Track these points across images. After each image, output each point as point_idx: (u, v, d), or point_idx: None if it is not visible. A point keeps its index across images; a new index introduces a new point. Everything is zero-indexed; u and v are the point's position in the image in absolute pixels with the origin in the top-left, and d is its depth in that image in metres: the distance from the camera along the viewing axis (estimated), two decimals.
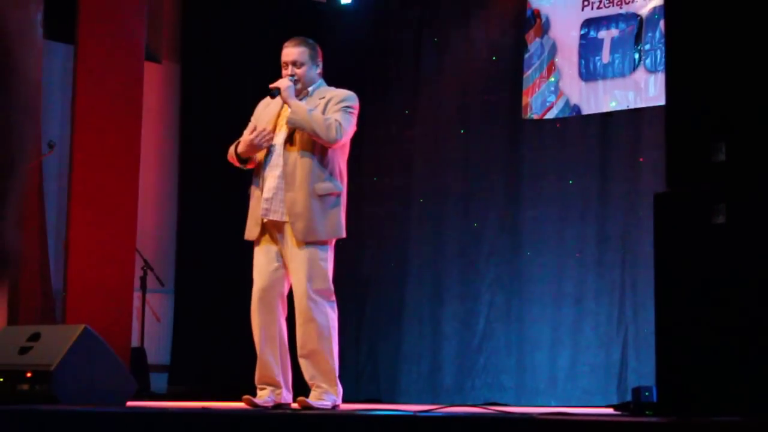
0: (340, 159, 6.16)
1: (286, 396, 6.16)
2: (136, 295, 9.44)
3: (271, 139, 6.14)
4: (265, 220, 6.15)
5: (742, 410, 4.08)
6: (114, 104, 9.19)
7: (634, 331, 8.46)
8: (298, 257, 6.04)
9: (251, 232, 6.25)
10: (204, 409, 5.08)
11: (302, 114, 6.01)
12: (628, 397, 6.58)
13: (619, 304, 8.60)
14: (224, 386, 9.41)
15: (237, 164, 6.32)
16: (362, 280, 9.68)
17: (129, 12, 9.35)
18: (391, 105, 9.58)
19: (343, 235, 6.16)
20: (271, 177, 6.14)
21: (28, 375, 5.64)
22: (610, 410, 5.59)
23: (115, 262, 9.07)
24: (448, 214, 9.55)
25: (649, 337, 7.93)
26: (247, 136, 6.19)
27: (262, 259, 6.24)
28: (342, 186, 6.13)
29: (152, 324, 9.80)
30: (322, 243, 6.05)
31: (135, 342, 9.36)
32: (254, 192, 6.23)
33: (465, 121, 9.60)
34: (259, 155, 6.20)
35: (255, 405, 5.99)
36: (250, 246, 9.80)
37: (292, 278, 6.10)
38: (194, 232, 10.15)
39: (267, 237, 6.19)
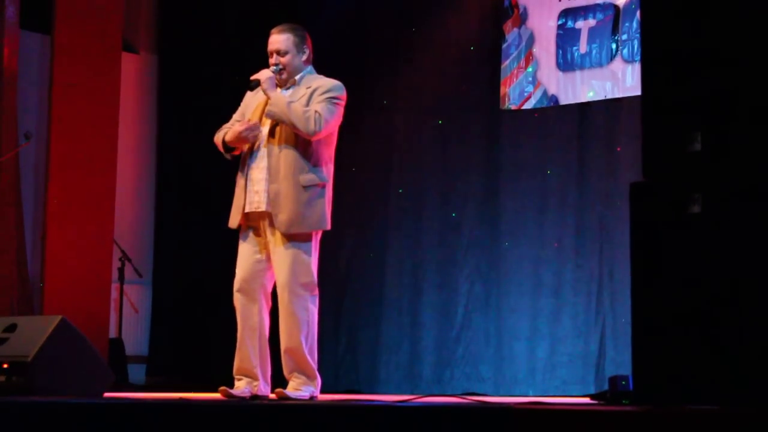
0: (325, 150, 6.11)
1: (263, 388, 6.14)
2: (114, 286, 9.43)
3: (259, 132, 6.11)
4: (247, 210, 6.09)
5: (718, 399, 4.10)
6: (91, 95, 9.19)
7: (612, 321, 8.48)
8: (281, 250, 6.01)
9: (233, 220, 6.20)
10: (182, 400, 5.08)
11: (281, 106, 5.96)
12: (606, 387, 6.61)
13: (597, 294, 8.62)
14: (202, 377, 9.42)
15: (222, 151, 6.28)
16: (341, 271, 9.68)
17: (106, 2, 9.33)
18: (370, 95, 9.57)
19: (328, 227, 6.12)
20: (256, 168, 6.10)
21: (5, 366, 5.63)
22: (588, 400, 5.60)
23: (92, 253, 9.07)
24: (426, 205, 9.55)
25: (626, 326, 7.96)
26: (237, 127, 6.13)
27: (246, 250, 6.19)
28: (327, 177, 6.09)
29: (130, 315, 9.79)
30: (306, 235, 6.02)
31: (113, 333, 9.35)
32: (239, 181, 6.18)
33: (443, 112, 9.59)
34: (246, 146, 6.16)
35: (231, 396, 5.97)
36: (228, 237, 9.77)
37: (275, 271, 6.06)
38: (172, 222, 10.13)
39: (252, 228, 6.14)
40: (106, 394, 5.79)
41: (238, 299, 6.17)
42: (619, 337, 8.34)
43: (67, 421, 4.02)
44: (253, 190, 6.09)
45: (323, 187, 6.05)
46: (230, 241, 9.79)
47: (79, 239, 9.00)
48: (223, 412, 4.08)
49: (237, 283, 6.19)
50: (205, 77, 9.98)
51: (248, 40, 10.11)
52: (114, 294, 9.42)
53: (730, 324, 4.18)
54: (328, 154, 6.13)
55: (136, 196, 10.18)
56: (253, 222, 6.14)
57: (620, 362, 8.18)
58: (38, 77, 9.38)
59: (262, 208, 6.05)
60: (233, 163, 8.95)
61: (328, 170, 6.11)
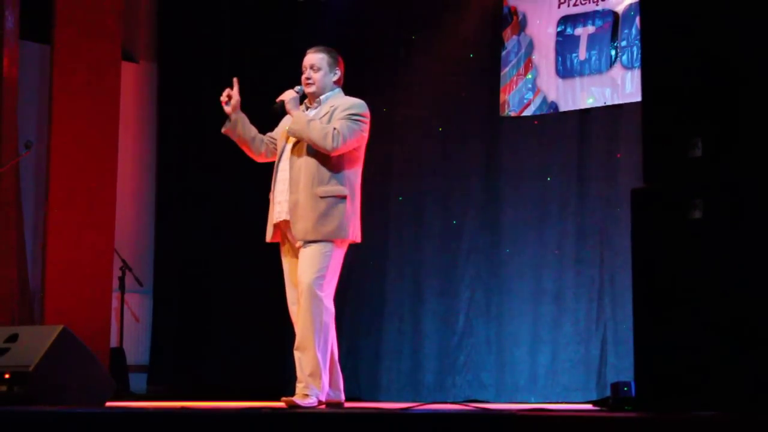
0: (348, 164, 6.27)
1: (333, 395, 6.21)
2: (115, 296, 9.42)
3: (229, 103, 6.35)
4: (275, 221, 6.27)
5: (720, 405, 4.10)
6: (91, 104, 9.19)
7: (613, 327, 8.48)
8: (302, 253, 6.16)
9: (268, 234, 6.37)
10: (183, 408, 5.07)
11: (301, 124, 6.17)
12: (608, 393, 6.60)
13: (598, 300, 8.62)
14: (204, 386, 9.42)
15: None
16: (342, 279, 9.63)
17: (105, 11, 9.34)
18: (369, 103, 9.55)
19: (349, 237, 6.24)
20: (280, 182, 6.30)
21: (6, 376, 5.62)
22: (590, 406, 5.60)
23: (93, 263, 9.07)
24: (427, 212, 9.56)
25: (627, 332, 7.96)
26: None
27: (286, 265, 6.38)
28: (348, 190, 6.22)
29: (131, 324, 9.78)
30: (325, 243, 6.11)
31: (114, 342, 9.34)
32: (270, 197, 6.34)
33: (443, 119, 9.60)
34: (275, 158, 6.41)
35: (292, 403, 6.00)
36: (229, 245, 9.84)
37: (297, 274, 6.15)
38: (172, 232, 10.13)
39: (287, 246, 6.33)
40: (108, 404, 5.78)
41: (293, 313, 6.26)
42: (621, 343, 8.33)
43: (69, 431, 4.02)
44: (277, 202, 6.29)
45: (343, 198, 6.16)
46: (231, 250, 9.84)
47: (79, 249, 8.99)
48: (225, 420, 4.08)
49: (288, 299, 6.35)
50: (204, 86, 9.97)
51: (246, 48, 10.15)
52: (115, 303, 9.41)
53: (731, 330, 4.18)
54: (353, 169, 6.30)
55: (136, 206, 10.17)
56: (285, 235, 6.27)
57: (621, 368, 8.17)
58: (38, 87, 9.38)
59: (284, 216, 6.21)
60: (234, 172, 8.99)
61: (351, 184, 6.25)
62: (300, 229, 6.12)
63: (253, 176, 7.36)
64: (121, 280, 9.55)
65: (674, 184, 4.44)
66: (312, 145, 6.15)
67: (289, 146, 6.30)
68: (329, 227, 6.12)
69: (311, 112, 6.32)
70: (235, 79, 6.47)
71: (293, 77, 6.57)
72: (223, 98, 6.43)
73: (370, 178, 6.48)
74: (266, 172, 6.48)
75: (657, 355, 4.34)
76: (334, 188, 6.17)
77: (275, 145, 6.46)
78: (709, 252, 4.29)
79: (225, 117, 6.45)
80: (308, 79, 6.35)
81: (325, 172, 6.17)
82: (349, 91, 6.48)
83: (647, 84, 4.65)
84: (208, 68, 10.07)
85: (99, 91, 9.30)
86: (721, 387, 4.14)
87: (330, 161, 6.17)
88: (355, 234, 6.26)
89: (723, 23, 4.39)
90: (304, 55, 6.46)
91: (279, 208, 6.27)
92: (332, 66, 6.41)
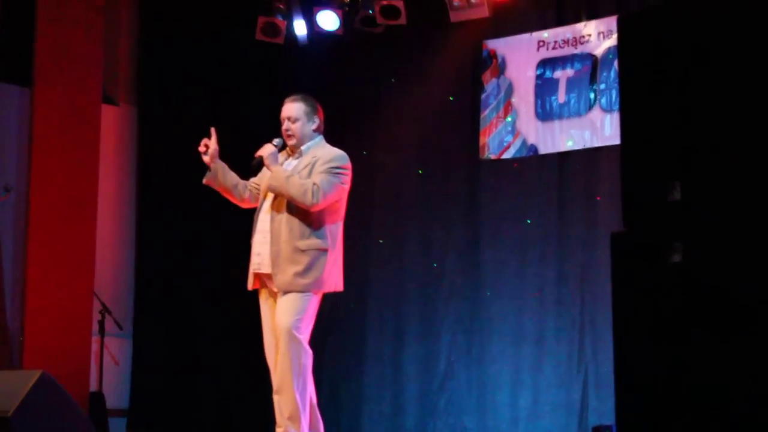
0: (329, 217, 6.30)
1: None
2: (94, 340, 9.37)
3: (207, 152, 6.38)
4: (254, 272, 6.31)
5: None
6: (71, 147, 9.18)
7: (594, 370, 8.47)
8: (281, 301, 6.19)
9: (248, 283, 6.40)
10: None
11: (280, 180, 6.18)
12: None
13: (579, 343, 8.62)
14: (184, 430, 9.37)
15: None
16: (322, 323, 9.62)
17: (85, 54, 9.35)
18: (349, 146, 9.56)
19: (327, 289, 6.26)
20: (261, 232, 6.32)
21: None
22: None
23: (72, 306, 9.03)
24: (407, 255, 9.56)
25: (609, 375, 7.95)
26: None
27: (265, 315, 6.41)
28: (330, 243, 6.24)
29: (111, 368, 9.72)
30: (303, 293, 6.12)
31: (93, 386, 9.29)
32: (252, 248, 6.36)
33: (423, 161, 9.62)
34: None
35: None
36: (209, 289, 9.80)
37: (275, 318, 6.15)
38: (152, 275, 10.09)
39: (265, 292, 6.35)
40: None
41: (269, 358, 6.32)
42: (602, 386, 8.32)
43: None
44: (255, 253, 6.32)
45: (324, 251, 6.16)
46: (211, 293, 9.81)
47: (59, 292, 8.95)
48: None
49: (265, 344, 6.38)
50: (185, 128, 9.96)
51: (227, 91, 10.16)
52: (94, 347, 9.36)
53: (712, 373, 4.18)
54: (334, 222, 6.33)
55: (116, 248, 10.13)
56: (266, 285, 6.31)
57: (603, 411, 8.16)
58: (18, 130, 9.36)
59: (263, 269, 6.24)
60: (215, 215, 8.97)
61: (333, 236, 6.28)
62: (281, 280, 6.14)
63: (235, 221, 7.35)
64: (101, 323, 9.49)
65: (653, 227, 4.45)
66: (292, 201, 6.15)
67: (268, 200, 6.30)
68: (309, 280, 6.14)
69: (292, 162, 6.32)
70: (212, 129, 6.47)
71: (274, 120, 6.58)
72: (201, 148, 6.43)
73: (350, 221, 6.49)
74: (248, 213, 6.49)
75: (638, 400, 4.33)
76: (315, 242, 6.18)
77: (258, 189, 6.46)
78: (689, 295, 4.29)
79: (206, 169, 6.46)
80: (287, 130, 6.37)
81: (305, 227, 6.19)
82: (328, 133, 6.49)
83: (626, 128, 4.66)
84: (189, 111, 10.07)
85: (79, 134, 9.29)
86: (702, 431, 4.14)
87: (310, 216, 6.18)
88: (336, 284, 6.30)
89: (702, 66, 4.42)
90: (282, 104, 6.47)
91: (258, 260, 6.29)
92: (310, 114, 6.40)
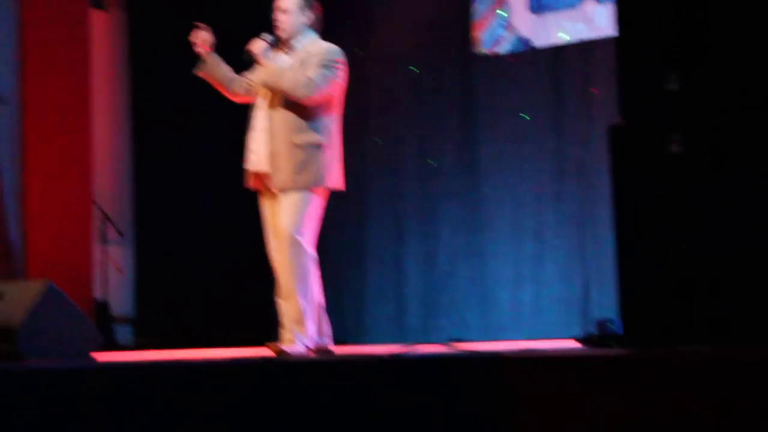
0: (325, 112, 6.22)
1: (319, 341, 6.25)
2: (97, 248, 9.40)
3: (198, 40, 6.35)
4: (252, 169, 6.26)
5: (705, 339, 4.13)
6: (61, 54, 9.14)
7: (596, 263, 8.51)
8: (282, 203, 6.15)
9: (246, 181, 6.35)
10: (174, 361, 5.09)
11: (273, 75, 6.12)
12: (591, 329, 6.63)
13: (579, 237, 8.65)
14: (190, 335, 9.43)
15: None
16: (322, 225, 9.66)
17: None
18: (341, 45, 9.52)
19: (328, 184, 6.20)
20: (258, 130, 6.26)
21: None
22: (574, 343, 5.63)
23: (73, 215, 9.05)
24: (405, 154, 9.55)
25: (610, 268, 7.95)
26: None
27: (266, 213, 6.37)
28: (327, 138, 6.18)
29: (115, 276, 9.77)
30: (304, 191, 6.10)
31: (98, 295, 9.34)
32: (247, 145, 6.30)
33: (416, 60, 9.57)
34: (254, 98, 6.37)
35: (282, 351, 6.01)
36: (209, 192, 9.79)
37: (277, 221, 6.15)
38: (151, 180, 10.09)
39: (267, 193, 6.32)
40: (95, 356, 5.80)
41: (274, 261, 6.26)
42: (603, 279, 8.35)
43: (59, 387, 4.03)
44: (252, 150, 6.28)
45: (320, 146, 6.13)
46: (212, 197, 9.81)
47: (58, 201, 8.96)
48: (217, 371, 4.10)
49: (268, 248, 6.34)
50: (176, 34, 9.85)
51: None
52: (97, 256, 9.39)
53: (713, 263, 4.21)
54: (329, 116, 6.24)
55: (113, 156, 10.12)
56: (265, 184, 6.26)
57: (605, 304, 8.19)
58: (7, 38, 9.27)
59: (259, 168, 6.21)
60: (211, 117, 8.92)
61: (329, 131, 6.21)
62: (279, 179, 6.11)
63: (233, 123, 7.32)
64: (102, 231, 9.51)
65: (651, 119, 4.45)
66: (285, 96, 6.11)
67: (264, 97, 6.26)
68: (307, 176, 6.10)
69: (285, 59, 6.26)
70: (204, 26, 6.40)
71: (268, 20, 6.51)
72: (193, 38, 6.36)
73: (346, 121, 6.46)
74: (246, 113, 6.44)
75: (641, 292, 4.37)
76: (311, 137, 6.13)
77: (251, 85, 6.39)
78: (690, 186, 4.30)
79: (199, 61, 6.41)
80: (277, 21, 6.27)
81: (301, 121, 6.12)
82: (321, 33, 6.41)
83: (621, 18, 4.64)
84: (179, 14, 9.96)
85: (69, 40, 9.23)
86: (708, 321, 4.18)
87: (306, 110, 6.13)
88: (336, 181, 6.24)
89: None
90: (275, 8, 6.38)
91: (254, 157, 6.25)
92: (303, 8, 6.27)
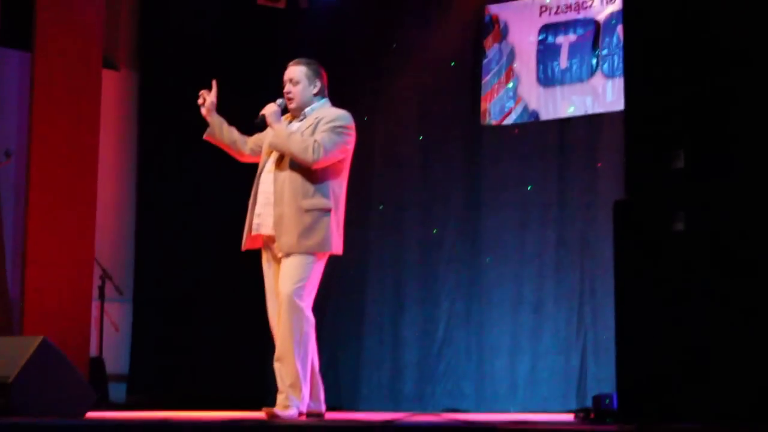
0: (332, 176, 6.24)
1: (313, 406, 6.19)
2: (94, 305, 9.36)
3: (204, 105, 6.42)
4: (254, 234, 6.25)
5: (702, 417, 4.10)
6: (71, 112, 9.14)
7: (594, 336, 8.47)
8: (284, 266, 6.14)
9: (244, 244, 6.34)
10: (165, 420, 5.05)
11: (282, 138, 6.15)
12: (588, 403, 6.59)
13: (578, 309, 8.62)
14: (183, 395, 9.37)
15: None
16: (322, 288, 9.61)
17: (86, 18, 9.29)
18: (351, 111, 9.57)
19: (332, 250, 6.22)
20: (263, 193, 6.27)
21: None
22: (570, 416, 5.59)
23: (73, 271, 9.01)
24: (407, 221, 9.55)
25: (608, 342, 7.96)
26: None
27: (267, 279, 6.36)
28: (333, 203, 6.20)
29: (110, 333, 9.72)
30: (309, 255, 6.10)
31: (93, 351, 9.29)
32: (250, 207, 6.30)
33: (424, 128, 9.60)
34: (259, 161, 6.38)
35: (274, 416, 5.98)
36: (209, 253, 9.78)
37: (278, 284, 6.13)
38: (153, 239, 10.08)
39: (268, 254, 6.32)
40: (88, 414, 5.75)
41: (272, 323, 6.24)
42: (601, 353, 8.32)
43: None
44: (257, 214, 6.27)
45: (327, 211, 6.14)
46: (211, 258, 9.80)
47: (59, 257, 8.93)
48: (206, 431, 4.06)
49: (268, 309, 6.32)
50: (186, 94, 9.90)
51: (229, 56, 10.10)
52: (94, 312, 9.35)
53: (713, 341, 4.18)
54: (337, 181, 6.26)
55: (116, 214, 10.11)
56: (268, 247, 6.27)
57: (602, 378, 8.16)
58: (18, 95, 9.32)
59: (263, 231, 6.20)
60: (214, 179, 8.94)
61: (335, 196, 6.23)
62: (285, 242, 6.11)
63: (235, 183, 7.32)
64: (101, 288, 9.49)
65: (657, 195, 4.44)
66: (293, 159, 6.13)
67: (272, 159, 6.28)
68: (313, 241, 6.11)
69: (296, 124, 6.30)
70: (213, 81, 6.46)
71: (276, 84, 6.56)
72: (200, 100, 6.43)
73: (351, 186, 6.46)
74: (248, 178, 6.45)
75: (639, 367, 4.34)
76: (319, 201, 6.14)
77: (259, 146, 6.44)
78: (692, 263, 4.29)
79: (206, 124, 6.45)
80: (288, 93, 6.34)
81: (309, 186, 6.14)
82: (331, 99, 6.46)
83: (630, 95, 4.65)
84: (190, 76, 10.01)
85: (80, 99, 9.24)
86: (704, 399, 4.14)
87: (314, 174, 6.15)
88: (337, 247, 6.26)
89: (707, 34, 4.40)
90: (285, 67, 6.45)
91: (258, 221, 6.25)
92: (312, 78, 6.37)
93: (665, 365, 4.28)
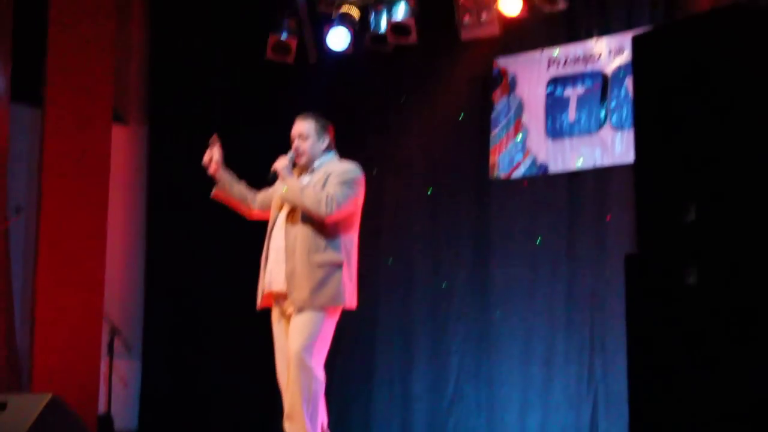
0: (343, 230, 6.24)
1: None
2: (103, 361, 9.35)
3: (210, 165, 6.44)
4: (266, 292, 6.20)
5: None
6: (81, 167, 9.18)
7: (604, 390, 8.41)
8: (295, 322, 6.13)
9: (259, 303, 6.36)
10: None
11: (295, 192, 6.17)
12: None
13: (589, 364, 8.56)
14: None
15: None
16: (331, 344, 9.61)
17: (96, 74, 9.35)
18: (359, 164, 9.58)
19: (345, 303, 6.19)
20: (274, 249, 6.27)
21: None
22: None
23: (82, 328, 9.01)
24: (417, 275, 9.53)
25: (619, 396, 7.91)
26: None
27: (277, 336, 6.36)
28: (345, 257, 6.18)
29: (119, 390, 9.69)
30: (321, 310, 6.07)
31: (102, 408, 9.26)
32: (262, 265, 6.27)
33: (432, 181, 9.60)
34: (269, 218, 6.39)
35: None
36: (218, 312, 9.77)
37: (288, 341, 6.11)
38: (163, 296, 10.07)
39: (277, 312, 6.25)
40: None
41: (281, 382, 6.23)
42: (612, 408, 8.27)
43: None
44: (268, 270, 6.27)
45: (339, 266, 6.12)
46: (222, 315, 9.77)
47: (68, 314, 8.93)
48: None
49: (277, 367, 6.32)
50: (196, 149, 9.93)
51: (237, 110, 10.15)
52: (103, 368, 9.33)
53: (727, 397, 4.15)
54: (348, 235, 6.27)
55: (125, 269, 10.11)
56: (278, 304, 6.22)
57: None
58: (28, 150, 9.35)
59: (274, 287, 6.16)
60: (224, 234, 8.93)
61: (347, 250, 6.22)
62: (297, 298, 6.08)
63: (246, 239, 7.33)
64: (110, 344, 9.47)
65: (668, 249, 4.42)
66: (306, 213, 6.11)
67: (283, 214, 6.27)
68: (325, 296, 6.08)
69: (306, 179, 6.30)
70: (215, 136, 6.46)
71: (284, 139, 6.57)
72: (205, 159, 6.43)
73: (359, 240, 6.46)
74: (259, 233, 6.45)
75: (652, 424, 4.30)
76: (331, 256, 6.12)
77: (267, 202, 6.43)
78: (705, 318, 4.26)
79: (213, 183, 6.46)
80: (298, 148, 6.35)
81: (321, 240, 6.13)
82: (340, 151, 6.47)
83: (640, 148, 4.63)
84: (199, 131, 10.02)
85: (89, 154, 9.28)
86: None
87: (325, 228, 6.14)
88: (350, 301, 6.23)
89: (718, 86, 4.39)
90: (293, 122, 6.46)
91: (270, 277, 6.23)
92: (320, 133, 6.39)
93: (679, 422, 4.24)
